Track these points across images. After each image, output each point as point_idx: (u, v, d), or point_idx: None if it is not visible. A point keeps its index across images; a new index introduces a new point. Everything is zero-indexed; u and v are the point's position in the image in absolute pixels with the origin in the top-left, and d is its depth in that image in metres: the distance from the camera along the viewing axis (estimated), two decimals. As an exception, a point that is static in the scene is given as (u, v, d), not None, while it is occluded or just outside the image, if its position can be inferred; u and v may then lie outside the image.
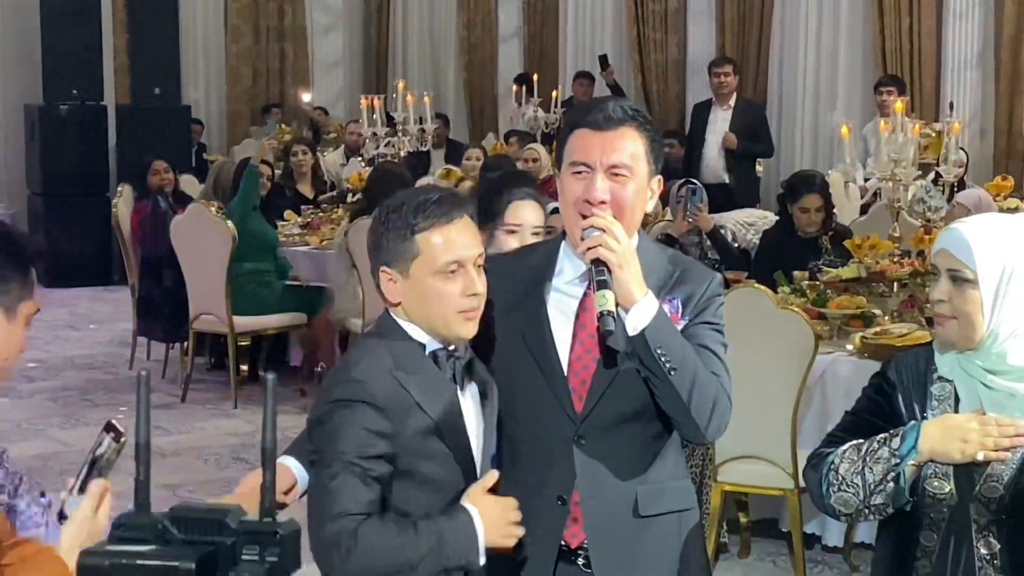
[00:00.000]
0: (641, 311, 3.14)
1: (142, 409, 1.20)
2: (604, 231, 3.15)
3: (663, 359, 3.13)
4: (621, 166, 3.23)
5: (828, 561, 6.64)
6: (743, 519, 6.71)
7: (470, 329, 3.14)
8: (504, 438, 3.36)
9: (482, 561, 3.05)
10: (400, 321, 3.16)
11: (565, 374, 3.29)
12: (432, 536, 2.99)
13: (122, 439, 3.02)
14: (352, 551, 2.93)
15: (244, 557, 1.16)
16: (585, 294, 3.31)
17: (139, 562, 1.14)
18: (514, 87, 14.65)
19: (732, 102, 12.60)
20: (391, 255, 3.13)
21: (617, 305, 3.13)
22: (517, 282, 3.38)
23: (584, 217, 3.21)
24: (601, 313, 3.10)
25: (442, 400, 3.10)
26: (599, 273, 3.13)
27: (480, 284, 3.13)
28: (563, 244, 3.39)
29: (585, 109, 3.37)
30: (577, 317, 3.33)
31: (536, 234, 4.27)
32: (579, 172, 3.24)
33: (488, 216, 4.25)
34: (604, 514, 3.29)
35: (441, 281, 3.10)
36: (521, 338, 3.32)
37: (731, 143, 12.22)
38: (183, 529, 1.17)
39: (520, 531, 3.10)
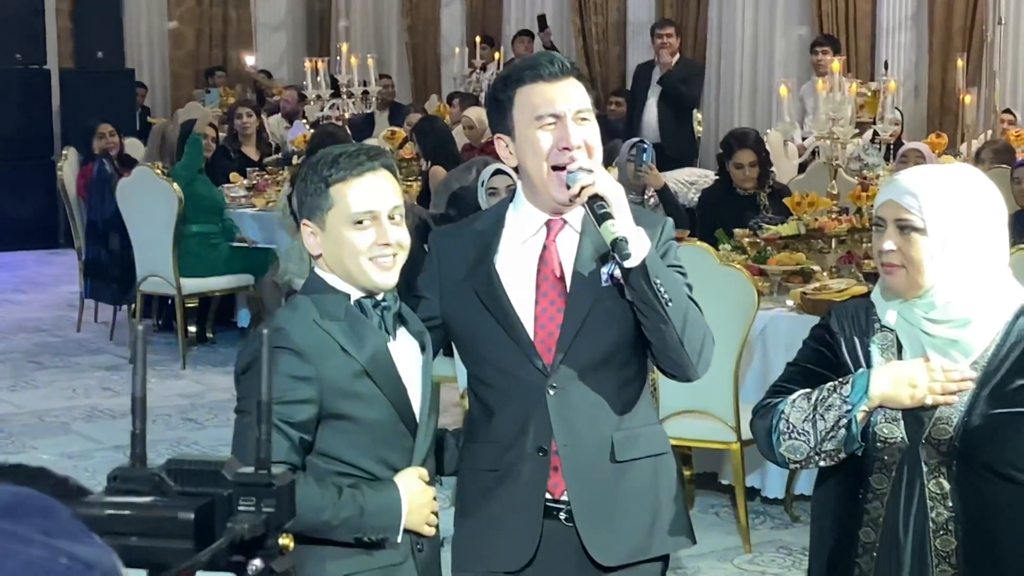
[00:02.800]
0: (640, 242, 3.14)
1: (139, 364, 1.21)
2: (592, 171, 3.16)
3: (661, 290, 3.14)
4: (585, 110, 3.28)
5: (769, 512, 6.70)
6: (687, 472, 6.72)
7: (386, 278, 3.18)
8: (478, 401, 3.41)
9: (400, 539, 3.14)
10: (323, 275, 3.22)
11: (527, 328, 3.30)
12: (355, 506, 3.07)
13: None
14: None
15: (240, 508, 1.17)
16: (544, 247, 3.33)
17: (137, 512, 1.15)
18: (466, 49, 14.62)
19: (673, 62, 12.61)
20: (309, 208, 3.18)
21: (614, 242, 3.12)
22: (467, 249, 3.40)
23: (559, 168, 3.21)
24: (615, 240, 3.08)
25: (368, 344, 3.15)
26: (600, 208, 3.12)
27: (393, 234, 3.16)
28: (510, 205, 3.40)
29: (531, 65, 3.34)
30: (538, 271, 3.33)
31: None
32: (550, 123, 3.23)
33: None
34: (582, 461, 3.31)
35: (354, 231, 3.14)
36: (479, 301, 3.32)
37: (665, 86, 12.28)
38: (180, 481, 1.18)
39: (435, 523, 3.25)
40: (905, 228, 3.14)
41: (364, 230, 3.14)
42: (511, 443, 3.32)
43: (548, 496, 3.32)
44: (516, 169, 3.41)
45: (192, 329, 9.95)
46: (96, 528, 1.14)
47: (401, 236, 3.19)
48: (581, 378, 3.29)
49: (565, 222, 3.33)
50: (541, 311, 3.31)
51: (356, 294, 3.19)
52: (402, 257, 3.22)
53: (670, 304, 3.15)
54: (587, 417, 3.31)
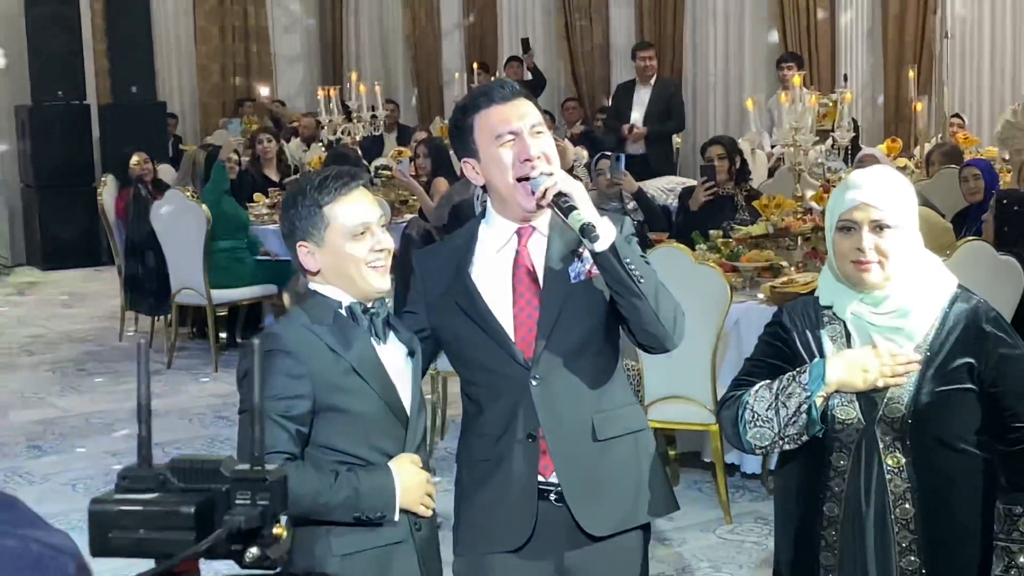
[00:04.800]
0: (607, 229, 3.14)
1: (142, 373, 1.20)
2: (552, 174, 3.18)
3: (631, 267, 3.15)
4: (538, 124, 3.29)
5: (747, 486, 6.72)
6: (671, 452, 6.75)
7: (383, 281, 3.22)
8: (470, 400, 3.43)
9: (396, 517, 3.16)
10: (317, 287, 3.25)
11: (507, 329, 3.30)
12: (350, 488, 3.11)
13: None
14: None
15: (237, 501, 1.17)
16: (516, 252, 3.34)
17: (144, 508, 1.15)
18: (465, 75, 14.65)
19: (652, 82, 12.63)
20: (304, 231, 3.20)
21: (582, 227, 3.13)
22: (446, 264, 3.42)
23: (522, 179, 3.22)
24: (583, 226, 3.09)
25: (355, 344, 3.19)
26: (565, 202, 3.14)
27: (384, 240, 3.22)
28: (482, 221, 3.42)
29: (484, 92, 3.37)
30: (513, 275, 3.34)
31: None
32: (509, 140, 3.24)
33: None
34: (567, 442, 3.31)
35: (352, 242, 3.18)
36: (460, 311, 3.34)
37: (640, 136, 12.23)
38: (182, 479, 1.18)
39: (432, 505, 3.26)
40: (880, 227, 3.15)
41: (361, 240, 3.18)
42: (502, 433, 3.32)
43: (540, 479, 3.32)
44: (484, 188, 3.41)
45: (223, 335, 9.96)
46: (106, 523, 1.15)
47: (388, 240, 3.25)
48: (560, 367, 3.30)
49: (534, 228, 3.34)
50: (519, 310, 3.32)
51: (347, 301, 3.21)
52: (389, 260, 3.26)
53: (642, 280, 3.16)
54: (568, 402, 3.31)
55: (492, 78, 14.02)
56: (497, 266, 3.35)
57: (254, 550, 1.16)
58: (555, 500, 3.33)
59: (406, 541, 3.22)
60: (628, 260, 3.15)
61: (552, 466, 3.32)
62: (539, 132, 3.28)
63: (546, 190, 3.16)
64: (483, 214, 3.45)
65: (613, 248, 3.14)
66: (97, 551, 1.14)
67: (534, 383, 3.29)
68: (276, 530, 1.17)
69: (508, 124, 3.25)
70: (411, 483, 3.18)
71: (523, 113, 3.27)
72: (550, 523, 3.33)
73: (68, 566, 0.92)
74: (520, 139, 3.24)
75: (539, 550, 3.35)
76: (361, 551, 3.14)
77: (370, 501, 3.11)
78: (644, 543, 3.45)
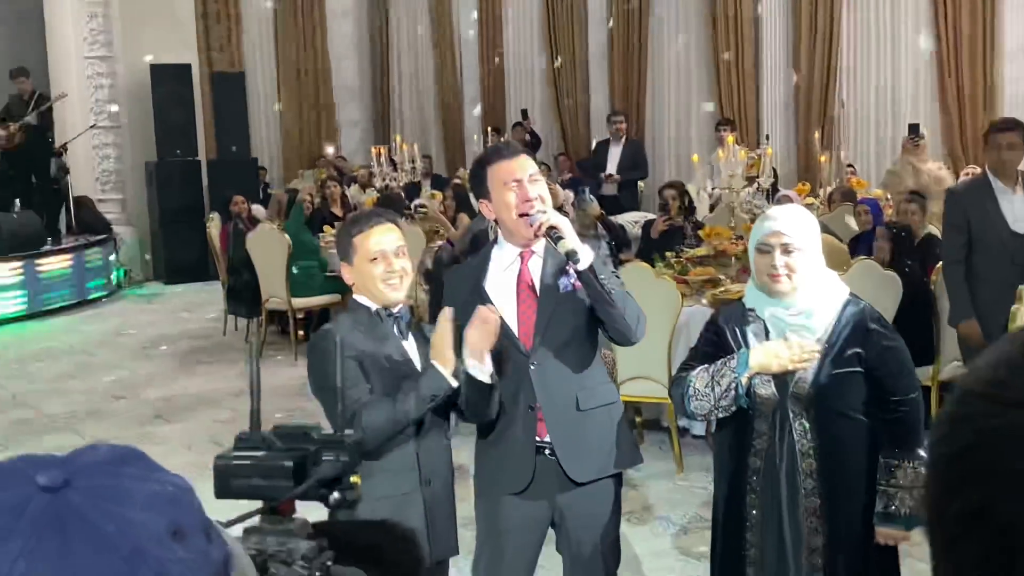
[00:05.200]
0: (587, 253, 3.17)
1: (253, 364, 1.24)
2: (545, 212, 3.21)
3: (604, 283, 3.17)
4: (536, 173, 3.32)
5: (695, 445, 6.68)
6: (638, 419, 6.74)
7: (396, 295, 3.24)
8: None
9: (455, 383, 3.11)
10: (356, 297, 3.28)
11: (512, 327, 3.31)
12: (410, 390, 3.09)
13: None
14: (362, 424, 3.04)
15: (324, 458, 1.18)
16: (520, 270, 3.35)
17: (255, 462, 1.16)
18: (482, 136, 14.67)
19: (623, 141, 12.62)
20: (343, 254, 3.27)
21: (567, 253, 3.15)
22: (467, 279, 3.43)
23: (524, 215, 3.24)
24: (568, 252, 3.14)
25: (381, 336, 3.21)
26: (555, 233, 3.16)
27: (397, 263, 3.23)
28: (495, 247, 3.43)
29: (494, 151, 3.41)
30: (517, 287, 3.35)
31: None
32: (513, 186, 3.27)
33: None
34: (557, 412, 3.32)
35: (371, 264, 3.21)
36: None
37: (614, 181, 12.25)
38: (283, 440, 1.18)
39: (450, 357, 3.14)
40: (790, 249, 3.16)
41: (377, 263, 3.20)
42: (509, 405, 3.33)
43: (537, 439, 3.34)
44: (495, 221, 3.42)
45: (301, 333, 9.95)
46: (227, 473, 1.17)
47: (404, 264, 3.25)
48: (552, 356, 3.31)
49: (533, 252, 3.35)
50: (521, 313, 3.33)
51: (374, 307, 3.24)
52: (408, 279, 3.27)
53: (613, 292, 3.18)
54: (558, 382, 3.32)
55: (501, 139, 14.05)
56: (505, 280, 3.36)
57: (336, 494, 1.17)
58: (549, 455, 3.34)
59: (415, 492, 3.20)
60: (603, 277, 3.17)
61: (546, 430, 3.33)
62: (536, 179, 3.29)
63: (541, 224, 3.18)
64: (495, 241, 3.46)
65: (591, 268, 3.16)
66: (220, 494, 1.16)
67: (532, 367, 3.30)
68: (352, 479, 1.18)
69: (513, 174, 3.27)
70: (447, 356, 3.11)
71: (524, 166, 3.29)
72: (545, 472, 3.34)
73: (195, 501, 0.94)
74: (521, 185, 3.26)
75: (537, 492, 3.35)
76: (387, 496, 3.10)
77: (429, 385, 3.08)
78: (617, 487, 3.45)
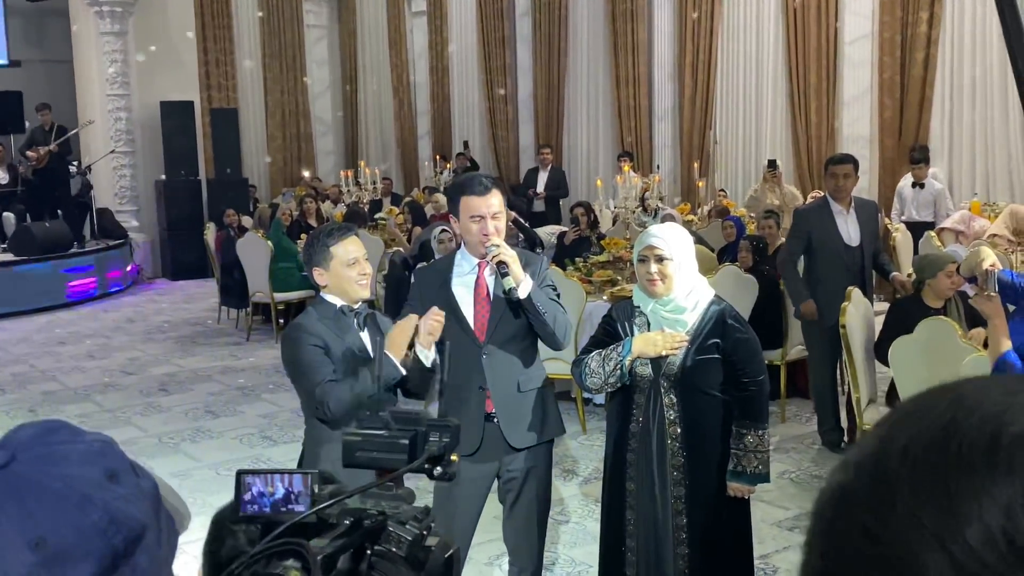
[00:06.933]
0: (526, 285, 3.17)
1: (379, 357, 1.21)
2: (499, 247, 3.17)
3: (539, 307, 3.17)
4: (498, 212, 3.25)
5: (596, 411, 6.71)
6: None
7: (366, 292, 3.22)
8: (448, 363, 3.36)
9: (403, 371, 3.09)
10: (324, 295, 3.23)
11: (470, 322, 3.29)
12: (367, 373, 3.06)
13: None
14: (328, 402, 3.04)
15: (431, 438, 1.13)
16: (477, 277, 3.33)
17: (377, 439, 1.11)
18: (432, 162, 14.58)
19: (548, 168, 12.63)
20: (318, 260, 3.20)
21: (509, 289, 3.16)
22: (435, 278, 3.39)
23: (484, 241, 3.21)
24: (508, 288, 3.14)
25: (343, 329, 3.17)
26: (503, 269, 3.14)
27: (367, 267, 3.22)
28: (459, 252, 3.38)
29: (468, 181, 3.31)
30: (475, 290, 3.32)
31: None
32: (477, 220, 3.22)
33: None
34: (502, 392, 3.31)
35: (348, 268, 3.18)
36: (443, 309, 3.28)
37: (541, 197, 12.29)
38: (398, 422, 1.14)
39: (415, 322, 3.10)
40: (662, 260, 3.16)
41: (353, 267, 3.17)
42: (464, 385, 3.29)
43: (486, 412, 3.32)
44: (454, 233, 3.40)
45: (281, 321, 9.82)
46: (354, 447, 1.12)
47: (369, 268, 3.25)
48: (499, 349, 3.29)
49: (487, 263, 3.30)
50: (477, 313, 3.31)
51: (339, 304, 3.19)
52: (369, 278, 3.25)
53: (545, 313, 3.18)
54: (504, 369, 3.30)
55: (448, 164, 13.98)
56: (466, 283, 3.33)
57: (439, 468, 1.13)
58: (496, 423, 3.32)
59: None
60: (538, 303, 3.17)
61: (493, 405, 3.31)
62: (496, 215, 3.23)
63: (493, 257, 3.16)
64: (459, 247, 3.41)
65: (528, 298, 3.16)
66: (348, 464, 1.12)
67: (484, 357, 3.28)
68: (453, 457, 1.14)
69: (478, 210, 3.21)
70: (399, 341, 3.08)
71: (490, 204, 3.22)
72: (491, 438, 3.32)
73: (117, 449, 0.92)
74: (484, 221, 3.21)
75: (485, 456, 3.34)
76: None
77: (384, 372, 3.04)
78: (549, 451, 3.44)
